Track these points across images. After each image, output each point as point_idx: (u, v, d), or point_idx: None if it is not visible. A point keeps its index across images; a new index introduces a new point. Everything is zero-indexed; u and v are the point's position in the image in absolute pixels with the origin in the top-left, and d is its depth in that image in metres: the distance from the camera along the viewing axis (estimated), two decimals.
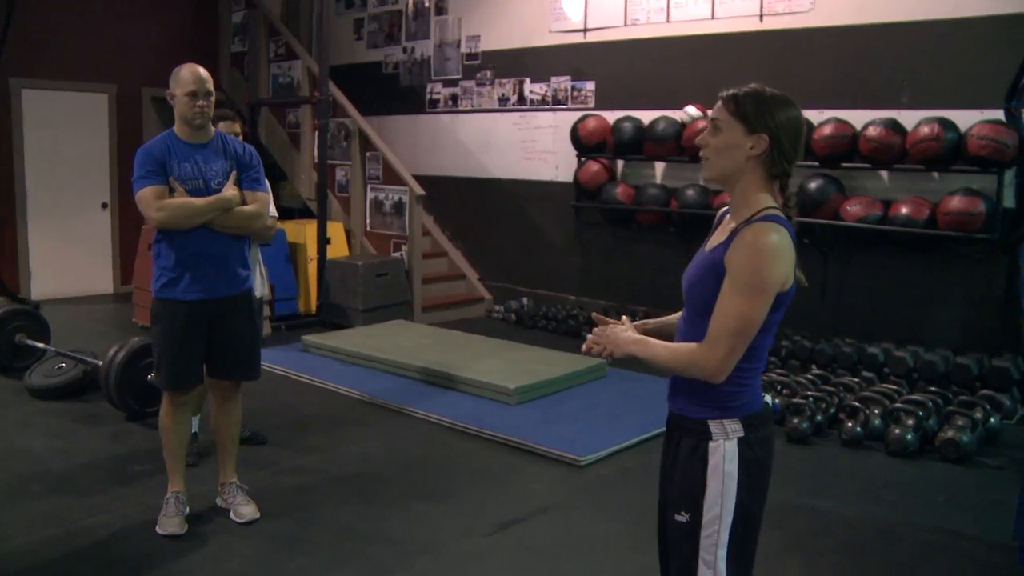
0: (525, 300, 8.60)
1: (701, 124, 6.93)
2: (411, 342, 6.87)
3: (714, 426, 2.10)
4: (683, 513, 2.14)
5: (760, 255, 1.97)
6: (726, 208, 2.22)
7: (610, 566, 3.59)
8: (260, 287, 4.72)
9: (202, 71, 3.71)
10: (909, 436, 4.83)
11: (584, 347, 2.25)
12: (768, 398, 5.02)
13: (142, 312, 7.70)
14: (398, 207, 8.71)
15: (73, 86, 9.16)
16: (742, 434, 2.10)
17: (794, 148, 2.08)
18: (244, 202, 3.79)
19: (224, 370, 3.88)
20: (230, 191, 3.73)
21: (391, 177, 8.78)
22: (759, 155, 2.06)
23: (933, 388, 5.50)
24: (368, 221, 9.07)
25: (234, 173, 3.78)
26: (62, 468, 4.48)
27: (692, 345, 2.07)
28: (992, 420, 5.08)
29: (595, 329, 2.24)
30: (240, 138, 4.52)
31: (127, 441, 4.90)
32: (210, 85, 3.72)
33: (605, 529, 3.93)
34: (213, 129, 3.83)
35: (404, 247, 8.61)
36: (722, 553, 2.11)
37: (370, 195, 9.01)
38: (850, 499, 4.22)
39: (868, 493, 4.33)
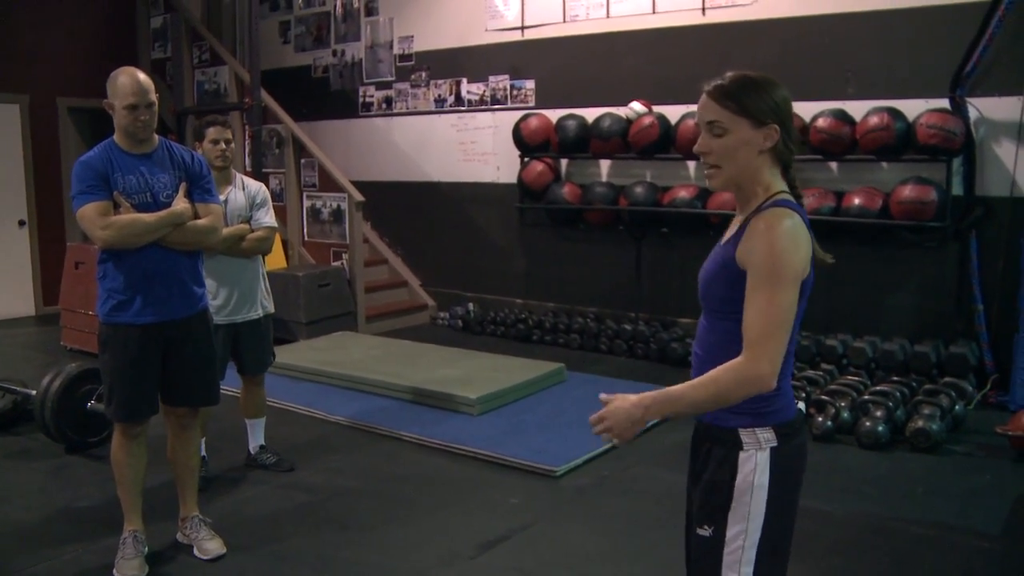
0: (471, 305, 8.41)
1: (647, 120, 6.85)
2: (362, 354, 6.63)
3: (745, 435, 1.94)
4: (706, 527, 1.99)
5: (778, 242, 1.83)
6: None
7: None
8: (268, 302, 4.55)
9: (142, 78, 3.41)
10: (880, 428, 4.81)
11: (594, 431, 1.94)
12: (801, 405, 4.90)
13: (71, 335, 7.29)
14: (336, 215, 8.44)
15: None
16: (775, 444, 1.94)
17: (793, 129, 1.98)
18: (196, 215, 3.52)
19: (181, 397, 3.60)
20: (181, 204, 3.45)
21: (328, 184, 8.51)
22: (772, 147, 1.92)
23: (895, 378, 5.50)
24: (305, 230, 8.77)
25: (183, 185, 3.51)
26: None
27: (728, 364, 1.87)
28: (957, 407, 5.10)
29: (594, 416, 1.94)
30: (230, 146, 4.31)
31: (71, 476, 4.56)
32: (152, 94, 3.41)
33: (594, 542, 3.77)
34: (157, 137, 3.54)
35: (344, 256, 8.34)
36: (747, 570, 1.95)
37: (306, 203, 8.72)
38: (833, 496, 4.15)
39: (849, 489, 4.28)
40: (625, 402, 1.90)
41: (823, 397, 5.14)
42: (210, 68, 9.40)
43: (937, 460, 4.65)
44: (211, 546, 3.63)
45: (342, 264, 8.28)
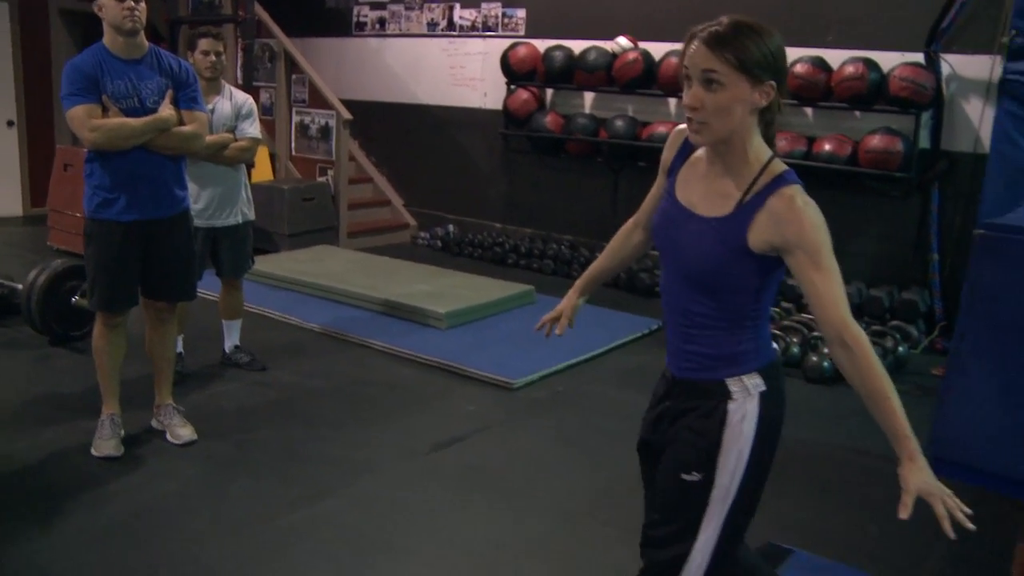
0: (451, 227, 8.60)
1: (631, 55, 6.97)
2: (340, 267, 6.84)
3: (733, 384, 1.94)
4: (694, 473, 1.96)
5: (812, 221, 1.78)
6: (684, 135, 2.02)
7: (551, 481, 3.71)
8: (248, 209, 4.75)
9: None
10: (825, 364, 5.07)
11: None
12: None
13: (58, 235, 7.47)
14: (324, 131, 8.57)
15: None
16: (764, 388, 1.94)
17: (786, 85, 1.89)
18: (181, 122, 3.69)
19: (160, 291, 3.82)
20: (167, 111, 3.62)
21: (317, 100, 8.62)
22: (766, 105, 1.82)
23: None
24: (293, 145, 8.90)
25: (170, 92, 3.66)
26: None
27: (860, 359, 1.79)
28: (901, 349, 5.37)
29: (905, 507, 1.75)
30: (220, 58, 4.42)
31: (54, 366, 4.80)
32: None
33: (542, 447, 4.06)
34: (147, 44, 3.69)
35: (330, 172, 8.49)
36: (727, 508, 1.97)
37: (295, 118, 8.83)
38: None
39: (790, 417, 4.52)
40: (923, 479, 1.76)
41: (775, 331, 5.39)
42: None
43: None
44: (183, 432, 3.89)
45: (327, 180, 8.44)
